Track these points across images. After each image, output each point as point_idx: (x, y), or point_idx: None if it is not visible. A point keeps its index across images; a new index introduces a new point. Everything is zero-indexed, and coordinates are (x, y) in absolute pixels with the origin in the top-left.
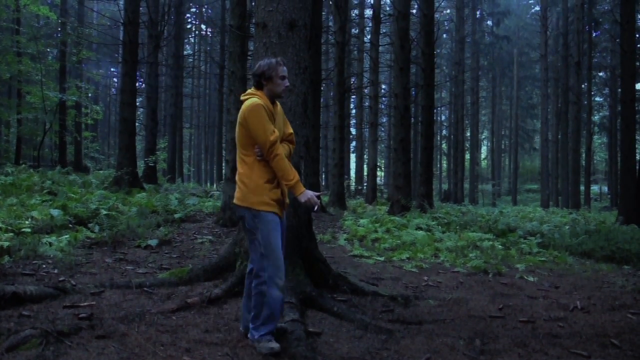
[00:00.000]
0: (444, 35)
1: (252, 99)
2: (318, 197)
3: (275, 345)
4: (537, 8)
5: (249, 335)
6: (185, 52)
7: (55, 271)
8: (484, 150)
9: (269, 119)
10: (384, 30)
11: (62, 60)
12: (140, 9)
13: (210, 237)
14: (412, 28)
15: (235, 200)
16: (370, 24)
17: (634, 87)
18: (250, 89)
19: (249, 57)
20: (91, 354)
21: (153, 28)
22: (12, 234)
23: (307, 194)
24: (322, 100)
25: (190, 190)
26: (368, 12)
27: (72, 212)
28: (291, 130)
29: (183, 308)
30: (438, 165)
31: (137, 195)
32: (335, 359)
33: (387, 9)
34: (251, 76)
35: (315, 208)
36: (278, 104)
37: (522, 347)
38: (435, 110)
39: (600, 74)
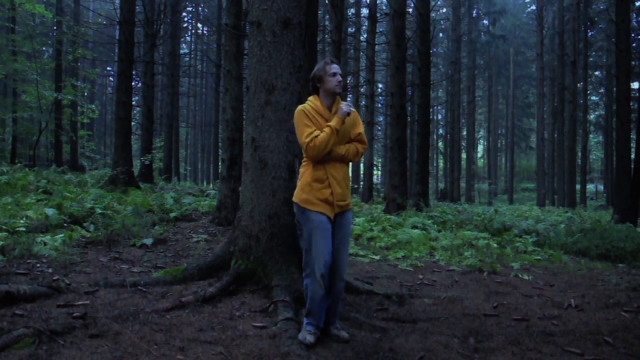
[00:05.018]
0: (440, 34)
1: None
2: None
3: (311, 338)
4: (533, 7)
5: None
6: (181, 51)
7: (50, 270)
8: (480, 149)
9: (315, 120)
10: (380, 29)
11: (58, 59)
12: (136, 7)
13: (205, 236)
14: (408, 27)
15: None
16: (366, 23)
17: (629, 86)
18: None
19: (245, 56)
20: (84, 353)
21: (149, 27)
22: (6, 233)
23: (341, 111)
24: None
25: (186, 189)
26: (364, 11)
27: (67, 211)
28: (359, 131)
29: (177, 307)
30: (434, 164)
31: (133, 194)
32: (329, 357)
33: (384, 7)
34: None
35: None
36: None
37: (516, 345)
38: (431, 109)
39: (596, 73)
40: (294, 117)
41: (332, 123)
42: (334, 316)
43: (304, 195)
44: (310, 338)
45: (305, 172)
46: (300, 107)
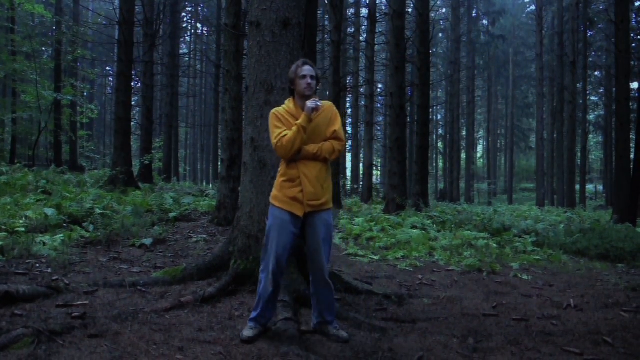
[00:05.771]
0: (440, 35)
1: None
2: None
3: (248, 333)
4: (533, 7)
5: None
6: (180, 51)
7: (49, 270)
8: (479, 150)
9: (287, 122)
10: (380, 29)
11: (57, 59)
12: (136, 7)
13: (205, 236)
14: (407, 27)
15: None
16: (366, 23)
17: (629, 86)
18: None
19: (244, 56)
20: (83, 353)
21: (148, 27)
22: (5, 233)
23: (306, 107)
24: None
25: (185, 190)
26: (364, 11)
27: (66, 211)
28: (335, 128)
29: (177, 307)
30: (434, 165)
31: (132, 195)
32: (328, 357)
33: (383, 8)
34: None
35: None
36: (324, 104)
37: (515, 345)
38: (431, 110)
39: (596, 73)
40: (268, 119)
41: (299, 121)
42: (331, 316)
43: (275, 192)
44: (247, 332)
45: (279, 171)
46: (273, 110)
